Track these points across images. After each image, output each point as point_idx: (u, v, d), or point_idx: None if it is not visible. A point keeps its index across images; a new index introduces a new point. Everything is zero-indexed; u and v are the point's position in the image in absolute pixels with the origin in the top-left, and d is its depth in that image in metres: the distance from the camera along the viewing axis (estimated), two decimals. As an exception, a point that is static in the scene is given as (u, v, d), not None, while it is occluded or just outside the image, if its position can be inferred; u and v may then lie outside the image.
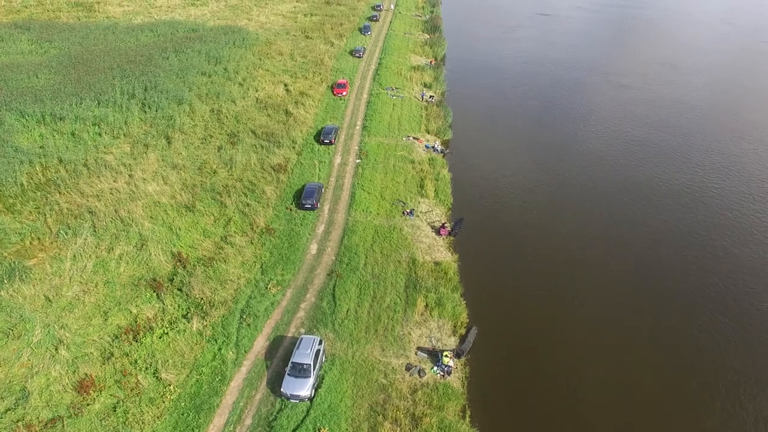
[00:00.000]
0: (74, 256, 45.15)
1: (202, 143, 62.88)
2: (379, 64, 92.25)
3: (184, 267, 44.64)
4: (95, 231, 47.82)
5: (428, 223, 53.31)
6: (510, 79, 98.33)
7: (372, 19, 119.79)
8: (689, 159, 70.16)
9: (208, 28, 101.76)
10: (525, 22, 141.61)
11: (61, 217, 49.49)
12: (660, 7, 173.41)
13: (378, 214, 53.11)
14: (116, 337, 37.99)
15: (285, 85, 79.12)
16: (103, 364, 35.95)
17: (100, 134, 63.50)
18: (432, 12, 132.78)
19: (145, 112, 68.69)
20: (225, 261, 45.47)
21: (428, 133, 70.85)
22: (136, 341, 37.79)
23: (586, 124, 79.69)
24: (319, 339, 37.19)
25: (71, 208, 50.80)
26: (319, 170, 59.26)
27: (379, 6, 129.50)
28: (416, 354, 39.42)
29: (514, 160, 67.94)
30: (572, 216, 57.37)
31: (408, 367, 38.03)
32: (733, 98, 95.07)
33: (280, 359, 37.73)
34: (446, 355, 38.70)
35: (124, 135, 63.66)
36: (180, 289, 42.33)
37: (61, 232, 47.53)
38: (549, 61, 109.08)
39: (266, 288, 43.38)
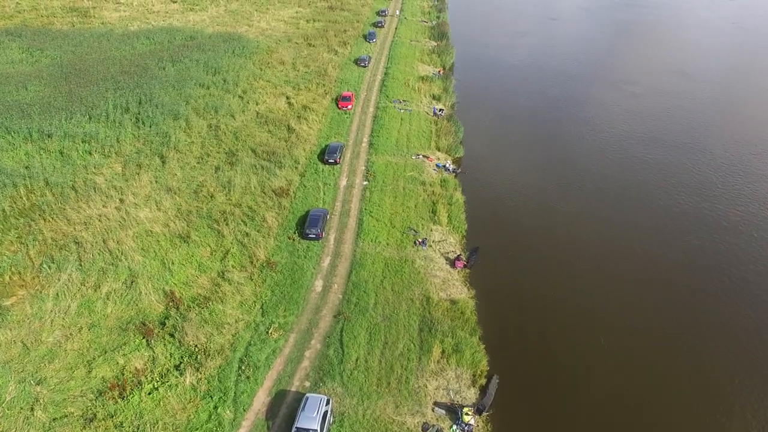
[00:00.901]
0: (57, 294, 41.29)
1: (198, 163, 58.97)
2: (385, 74, 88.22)
3: (177, 308, 40.73)
4: (81, 265, 43.93)
5: (442, 254, 49.40)
6: (521, 88, 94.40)
7: (377, 25, 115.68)
8: (708, 180, 66.15)
9: (207, 35, 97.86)
10: (533, 27, 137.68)
11: (45, 248, 45.65)
12: (668, 10, 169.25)
13: (388, 244, 49.18)
14: (100, 394, 34.06)
15: (287, 97, 75.17)
16: (84, 428, 31.99)
17: (90, 152, 59.63)
18: (438, 18, 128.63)
19: (139, 127, 64.82)
20: (222, 301, 41.55)
21: (438, 150, 66.87)
22: (123, 398, 33.85)
23: (602, 138, 75.73)
24: (326, 399, 33.27)
25: (56, 237, 46.95)
26: (324, 194, 55.33)
27: (384, 11, 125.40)
28: (433, 410, 35.55)
29: (529, 180, 64.03)
30: (594, 241, 53.53)
31: (425, 428, 34.16)
32: (750, 109, 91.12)
33: (283, 419, 33.82)
34: (466, 413, 34.81)
35: (116, 153, 59.77)
36: (172, 335, 38.40)
37: (44, 265, 43.68)
38: (560, 69, 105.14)
39: (267, 333, 39.46)
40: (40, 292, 41.30)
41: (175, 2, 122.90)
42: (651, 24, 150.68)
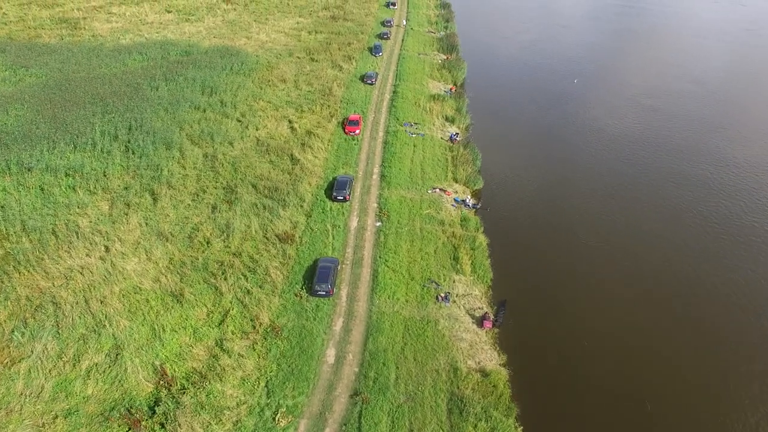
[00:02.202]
0: (29, 370, 35.71)
1: (193, 201, 53.38)
2: (393, 92, 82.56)
3: (169, 388, 35.19)
4: (59, 332, 38.41)
5: (467, 311, 43.95)
6: (536, 103, 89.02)
7: (382, 36, 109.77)
8: (741, 212, 60.86)
9: (203, 49, 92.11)
10: (544, 35, 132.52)
11: (18, 310, 40.11)
12: (678, 17, 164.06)
13: (407, 300, 43.68)
14: None
15: (289, 121, 69.58)
16: None
17: (73, 188, 54.07)
18: (446, 28, 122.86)
19: (128, 158, 59.21)
20: (221, 378, 36.02)
21: (456, 182, 61.32)
22: None
23: (628, 160, 70.26)
24: None
25: (32, 295, 41.41)
26: (333, 238, 49.76)
27: (389, 21, 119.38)
28: None
29: (555, 212, 58.61)
30: (634, 281, 48.27)
31: None
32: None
33: None
34: None
35: (102, 189, 54.19)
36: (163, 425, 32.88)
37: (16, 333, 38.11)
38: (574, 82, 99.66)
39: (274, 419, 33.97)
40: (9, 368, 35.74)
41: (170, 12, 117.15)
42: (662, 31, 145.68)
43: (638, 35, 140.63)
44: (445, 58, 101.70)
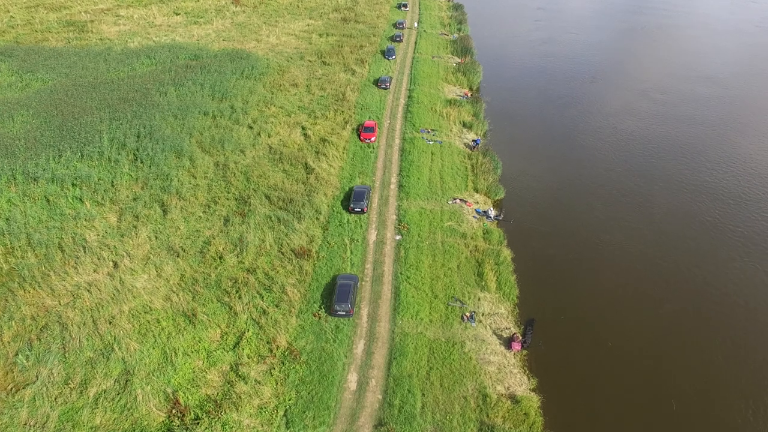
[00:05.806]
0: (34, 398, 33.68)
1: (204, 212, 51.30)
2: (409, 97, 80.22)
3: (182, 418, 33.05)
4: (65, 355, 36.38)
5: (494, 332, 41.59)
6: (551, 103, 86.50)
7: (395, 39, 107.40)
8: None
9: (213, 53, 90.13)
10: (556, 34, 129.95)
11: (23, 331, 38.16)
12: (690, 14, 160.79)
13: (431, 320, 41.37)
14: None
15: (302, 128, 67.42)
16: None
17: (80, 199, 52.12)
18: (459, 30, 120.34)
19: (137, 167, 57.23)
20: (237, 406, 33.84)
21: (477, 192, 58.90)
22: None
23: (647, 160, 67.55)
24: None
25: (37, 315, 39.45)
26: (351, 253, 47.50)
27: (401, 23, 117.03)
28: None
29: (577, 222, 56.09)
30: (669, 297, 45.67)
31: None
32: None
33: None
34: None
35: (111, 201, 52.23)
36: (175, 460, 30.69)
37: (20, 356, 36.13)
38: (588, 80, 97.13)
39: (293, 453, 31.71)
40: (14, 395, 33.74)
41: (178, 14, 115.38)
42: (673, 29, 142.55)
43: (649, 33, 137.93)
44: (460, 61, 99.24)
